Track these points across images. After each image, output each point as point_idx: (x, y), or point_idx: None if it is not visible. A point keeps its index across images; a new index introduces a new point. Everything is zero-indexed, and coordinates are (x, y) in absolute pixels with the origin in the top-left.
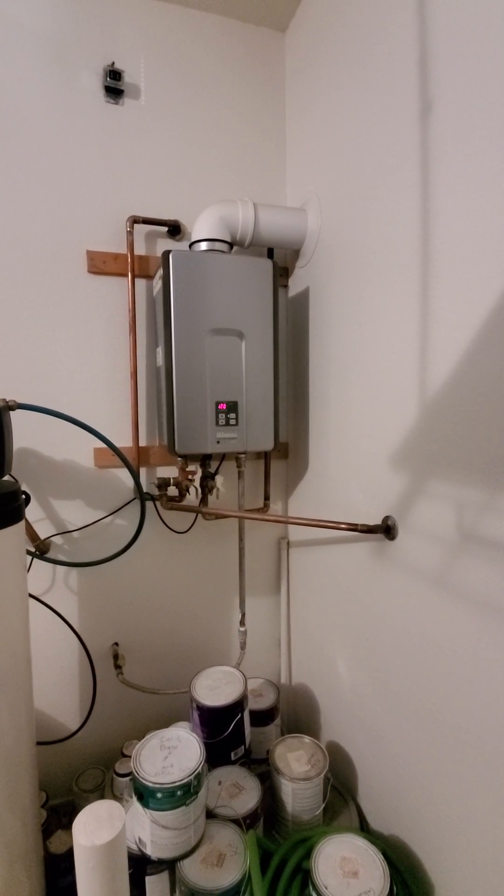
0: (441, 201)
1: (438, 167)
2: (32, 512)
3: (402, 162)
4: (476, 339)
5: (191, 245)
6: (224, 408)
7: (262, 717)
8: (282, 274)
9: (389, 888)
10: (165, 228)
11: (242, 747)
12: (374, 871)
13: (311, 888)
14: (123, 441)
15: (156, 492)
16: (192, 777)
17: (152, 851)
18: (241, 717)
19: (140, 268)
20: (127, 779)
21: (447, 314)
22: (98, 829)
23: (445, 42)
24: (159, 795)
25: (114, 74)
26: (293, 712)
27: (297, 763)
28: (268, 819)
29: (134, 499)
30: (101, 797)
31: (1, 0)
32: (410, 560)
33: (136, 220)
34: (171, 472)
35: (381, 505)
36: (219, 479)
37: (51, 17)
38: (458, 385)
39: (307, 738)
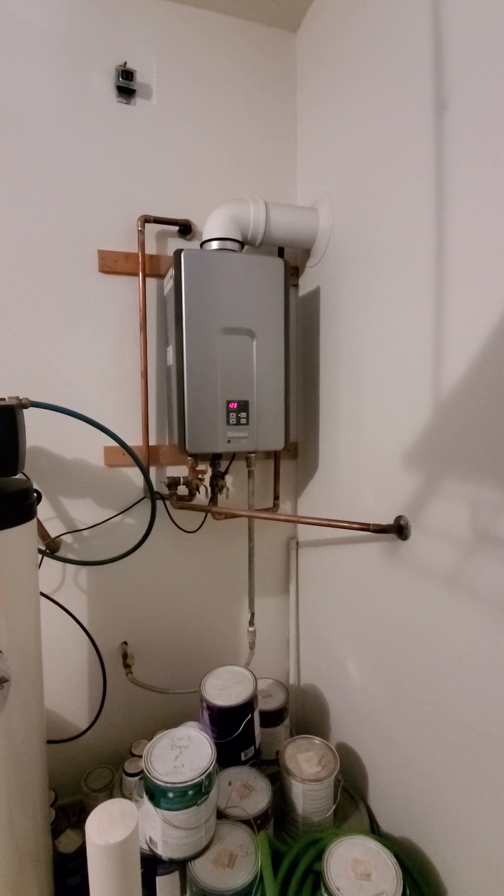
0: (456, 200)
1: (454, 166)
2: (43, 510)
3: (415, 161)
4: (492, 337)
5: (202, 244)
6: (235, 407)
7: (272, 718)
8: (292, 273)
9: (402, 891)
10: (176, 228)
11: (252, 748)
12: (386, 873)
13: (322, 890)
14: (133, 440)
15: (166, 491)
16: (203, 777)
17: (163, 851)
18: (252, 718)
19: (151, 267)
20: (136, 778)
21: (461, 312)
22: (111, 828)
23: (461, 42)
24: (171, 795)
25: (126, 74)
26: (302, 713)
27: (307, 764)
28: (278, 820)
29: (144, 498)
30: (110, 797)
31: (14, 1)
32: (423, 560)
33: (147, 220)
34: (180, 471)
35: (393, 504)
36: (228, 479)
37: (63, 17)
38: (472, 383)
39: (317, 740)
